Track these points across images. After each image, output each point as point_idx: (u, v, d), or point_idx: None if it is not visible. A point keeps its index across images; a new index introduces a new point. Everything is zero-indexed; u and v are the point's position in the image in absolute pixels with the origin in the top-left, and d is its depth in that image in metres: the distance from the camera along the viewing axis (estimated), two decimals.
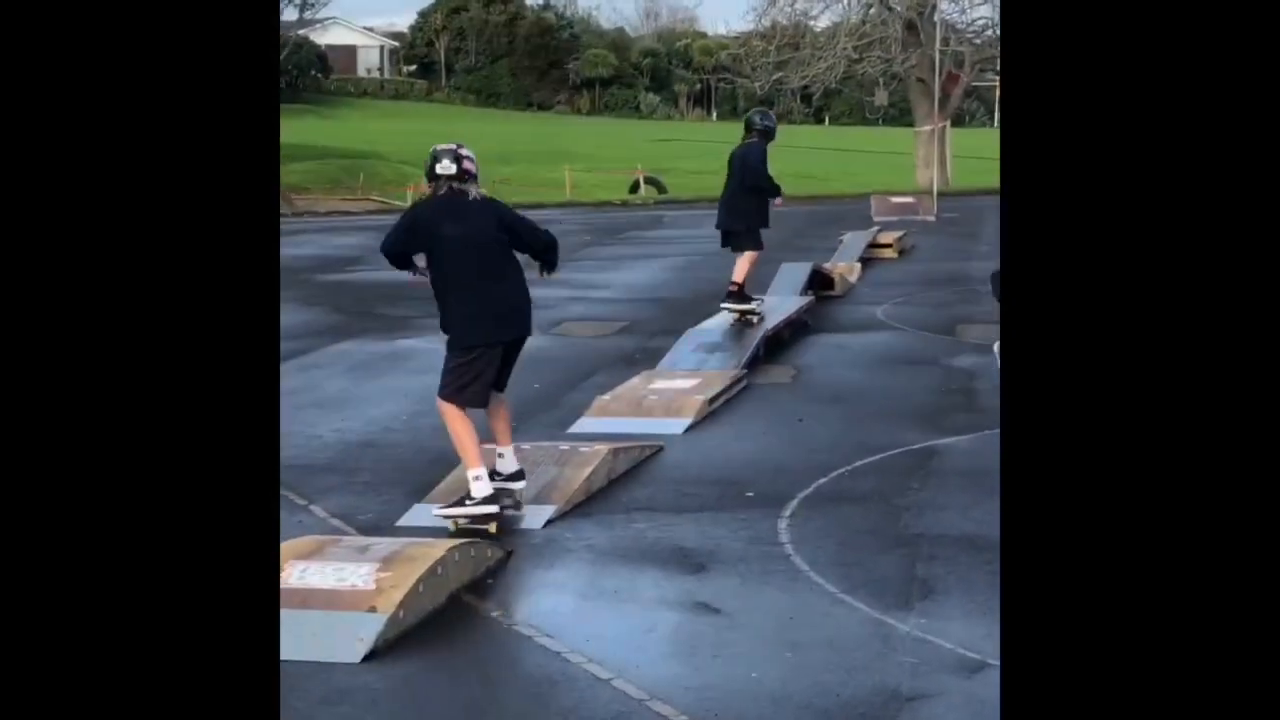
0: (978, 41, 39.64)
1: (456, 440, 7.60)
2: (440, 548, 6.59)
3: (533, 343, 13.68)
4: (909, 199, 30.12)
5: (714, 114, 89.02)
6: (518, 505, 7.80)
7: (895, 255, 21.33)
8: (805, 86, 43.18)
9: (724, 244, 13.79)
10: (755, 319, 13.40)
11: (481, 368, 7.60)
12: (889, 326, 14.61)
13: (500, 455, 7.86)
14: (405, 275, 7.85)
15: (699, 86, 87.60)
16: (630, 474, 8.65)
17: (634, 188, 38.59)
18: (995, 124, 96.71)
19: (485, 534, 7.37)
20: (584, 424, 10.01)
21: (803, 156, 44.86)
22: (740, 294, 13.49)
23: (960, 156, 40.63)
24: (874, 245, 21.33)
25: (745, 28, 47.50)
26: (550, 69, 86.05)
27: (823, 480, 8.44)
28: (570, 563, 7.06)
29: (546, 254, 7.92)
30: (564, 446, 8.75)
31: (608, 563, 7.05)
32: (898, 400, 10.80)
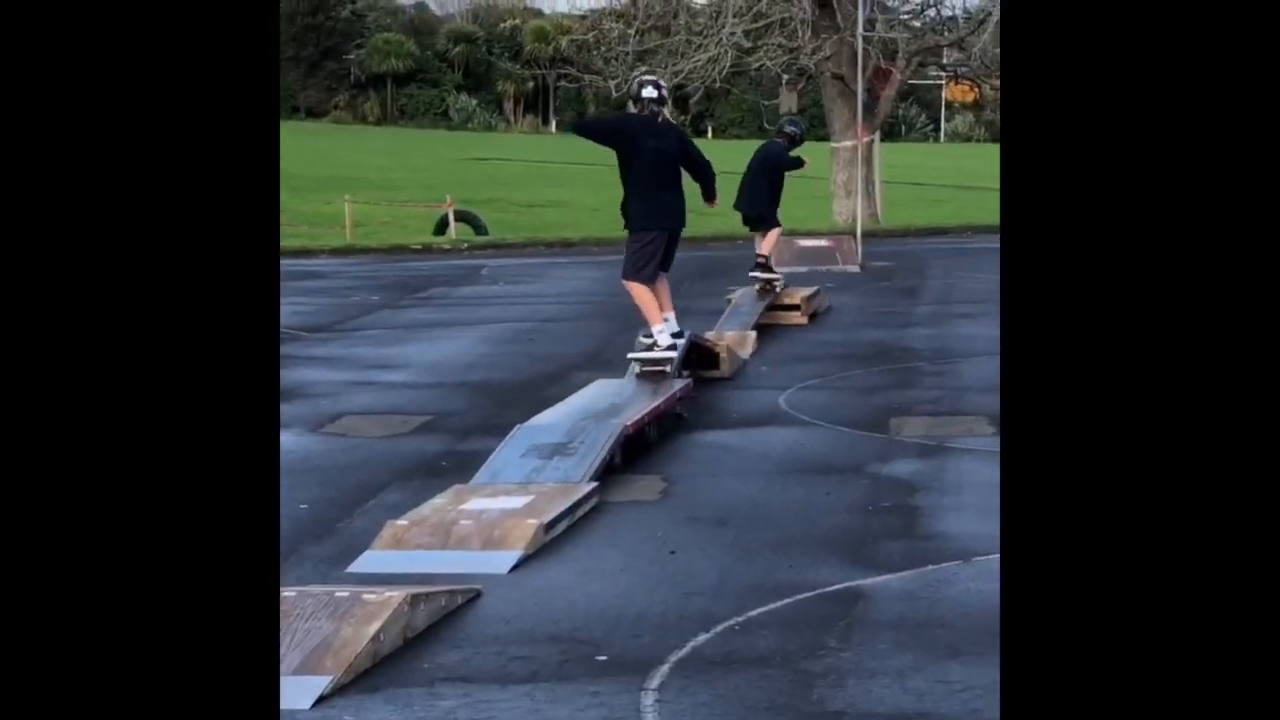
0: (916, 24, 40.13)
1: (642, 306, 14.94)
2: None
3: (299, 445, 13.69)
4: (823, 242, 30.38)
5: (552, 123, 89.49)
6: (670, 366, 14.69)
7: (804, 320, 21.48)
8: (679, 86, 43.42)
9: (745, 224, 22.61)
10: (778, 286, 21.09)
11: (654, 250, 14.82)
12: (795, 420, 14.72)
13: (666, 319, 14.89)
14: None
15: (531, 85, 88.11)
16: (435, 630, 8.63)
17: (441, 227, 38.63)
18: (942, 138, 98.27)
19: (662, 373, 14.49)
20: (370, 560, 9.97)
21: None
22: (766, 265, 21.18)
23: (895, 182, 41.16)
24: (775, 307, 21.46)
25: (595, 3, 47.76)
26: (323, 60, 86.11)
27: (704, 636, 8.47)
28: None
29: (706, 177, 15.32)
30: (341, 593, 8.71)
31: None
32: (808, 524, 10.86)
